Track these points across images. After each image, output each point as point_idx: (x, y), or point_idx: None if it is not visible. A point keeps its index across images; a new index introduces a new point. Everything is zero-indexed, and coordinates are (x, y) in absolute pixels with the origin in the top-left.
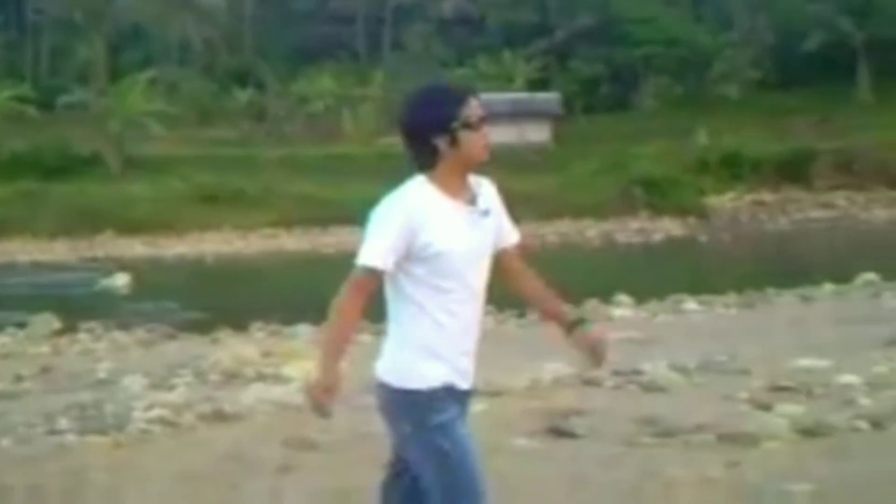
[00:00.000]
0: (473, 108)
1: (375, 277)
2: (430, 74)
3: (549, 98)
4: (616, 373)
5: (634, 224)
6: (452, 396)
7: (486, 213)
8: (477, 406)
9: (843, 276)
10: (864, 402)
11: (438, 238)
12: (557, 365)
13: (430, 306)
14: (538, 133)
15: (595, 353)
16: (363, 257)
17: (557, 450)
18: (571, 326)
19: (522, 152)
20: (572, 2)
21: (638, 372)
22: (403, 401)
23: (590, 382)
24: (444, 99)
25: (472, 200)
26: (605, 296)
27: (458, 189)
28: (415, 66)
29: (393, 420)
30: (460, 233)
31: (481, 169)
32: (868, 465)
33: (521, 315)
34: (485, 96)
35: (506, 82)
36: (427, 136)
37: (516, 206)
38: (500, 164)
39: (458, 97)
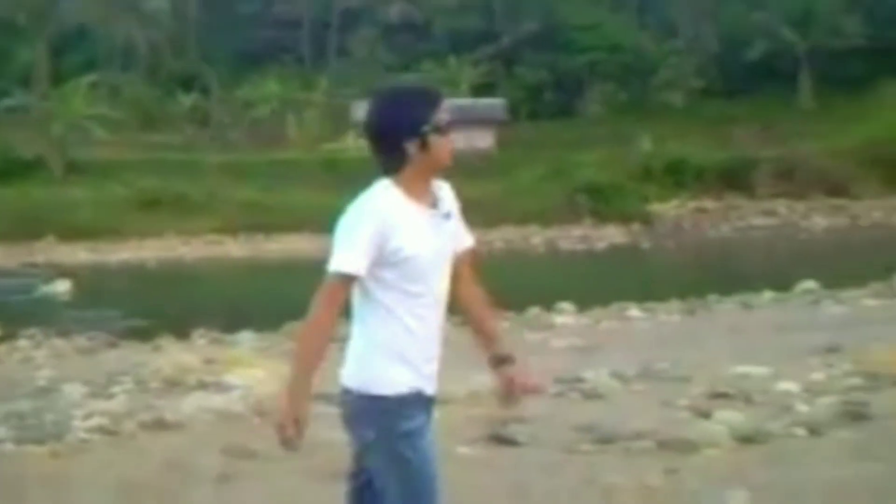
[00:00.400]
0: (443, 111)
1: (349, 284)
2: (376, 80)
3: (494, 104)
4: (558, 380)
5: (578, 231)
6: (419, 403)
7: (447, 216)
8: None
9: (783, 283)
10: (802, 408)
11: (407, 242)
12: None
13: (400, 311)
14: (483, 139)
15: (508, 397)
16: (337, 264)
17: (499, 457)
18: (497, 361)
19: (467, 158)
20: (517, 8)
21: (579, 379)
22: (370, 407)
23: (532, 391)
24: (416, 101)
25: (435, 204)
26: (549, 303)
27: (422, 193)
28: (360, 72)
29: (356, 427)
30: (426, 237)
31: None
32: (805, 471)
33: (465, 323)
34: None
35: (451, 88)
36: (397, 140)
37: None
38: (447, 170)
39: (430, 100)
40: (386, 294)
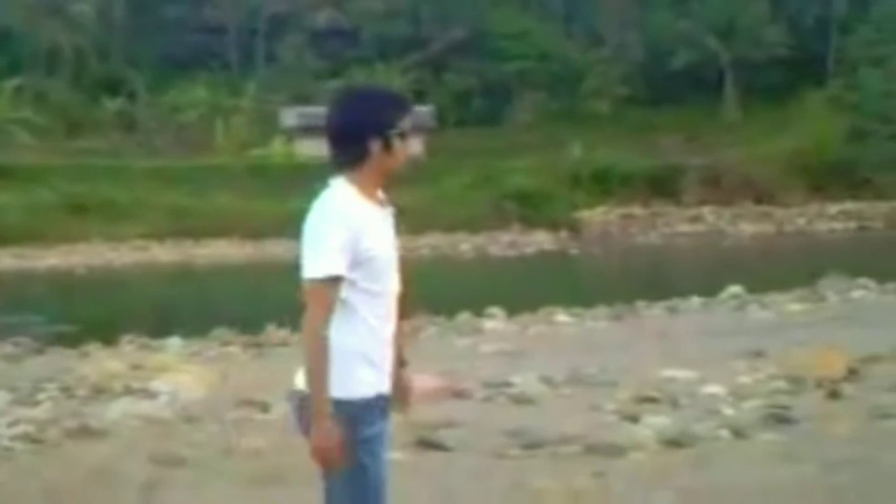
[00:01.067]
0: (409, 119)
1: (336, 286)
2: (304, 86)
3: (423, 111)
4: (486, 385)
5: (507, 237)
6: (380, 406)
7: (392, 215)
8: None
9: (709, 289)
10: (728, 411)
11: (372, 241)
12: (427, 377)
13: (363, 311)
14: (412, 146)
15: (402, 400)
16: (321, 269)
17: (427, 462)
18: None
19: None
20: (446, 15)
21: (508, 384)
22: (335, 412)
23: (460, 395)
24: (387, 103)
25: (382, 204)
26: (478, 309)
27: (372, 193)
28: (288, 78)
29: (303, 431)
30: (384, 236)
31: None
32: (730, 473)
33: None
34: None
35: None
36: (361, 137)
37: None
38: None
39: (400, 105)
40: (352, 294)
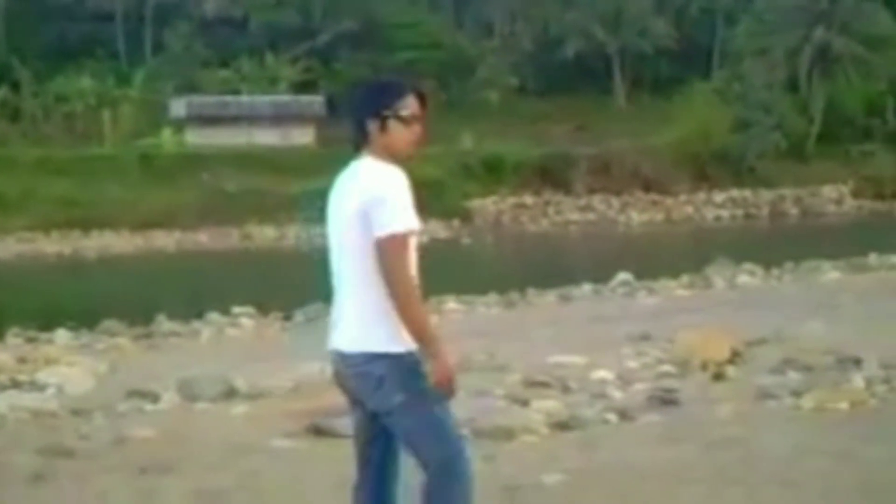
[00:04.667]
0: (408, 103)
1: (410, 239)
2: (192, 75)
3: (313, 101)
4: None
5: None
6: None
7: None
8: (238, 408)
9: (600, 276)
10: (616, 395)
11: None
12: (320, 365)
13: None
14: (302, 136)
15: None
16: (404, 222)
17: (318, 449)
18: None
19: (287, 155)
20: (336, 5)
21: None
22: (397, 366)
23: None
24: (383, 88)
25: None
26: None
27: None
28: (176, 67)
29: (383, 391)
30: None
31: (249, 166)
32: (617, 454)
33: (287, 318)
34: (247, 98)
35: (270, 84)
36: (362, 118)
37: (281, 209)
38: (264, 166)
39: (396, 89)
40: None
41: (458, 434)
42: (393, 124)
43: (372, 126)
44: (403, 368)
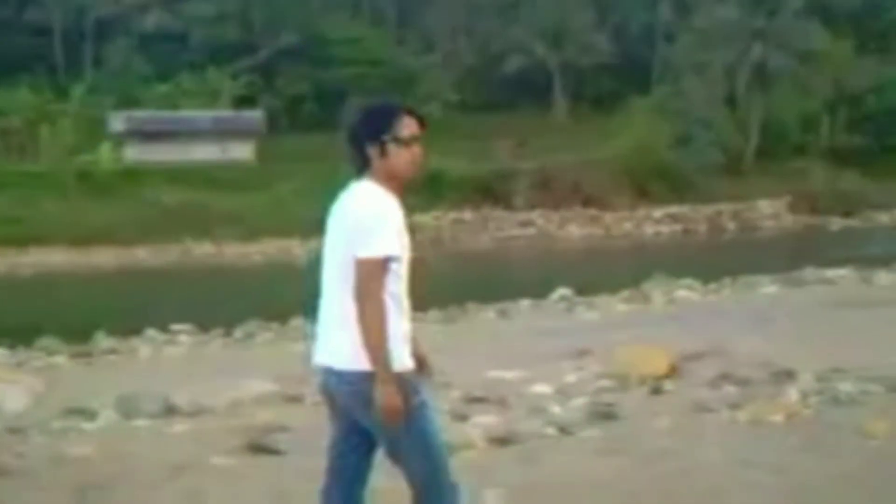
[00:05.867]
0: (406, 125)
1: (388, 265)
2: (132, 90)
3: (254, 116)
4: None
5: None
6: (416, 376)
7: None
8: (178, 425)
9: (539, 291)
10: (554, 409)
11: (403, 235)
12: (260, 383)
13: (400, 295)
14: (243, 151)
15: (427, 367)
16: (382, 249)
17: (258, 466)
18: None
19: (227, 170)
20: (277, 20)
21: None
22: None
23: (292, 400)
24: (380, 113)
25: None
26: (311, 314)
27: (394, 196)
28: (116, 82)
29: (371, 407)
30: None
31: (188, 181)
32: (556, 468)
33: (227, 334)
34: (187, 113)
35: (210, 99)
36: (361, 145)
37: (220, 225)
38: (203, 182)
39: (392, 113)
40: (392, 281)
41: (443, 448)
42: (392, 148)
43: (372, 151)
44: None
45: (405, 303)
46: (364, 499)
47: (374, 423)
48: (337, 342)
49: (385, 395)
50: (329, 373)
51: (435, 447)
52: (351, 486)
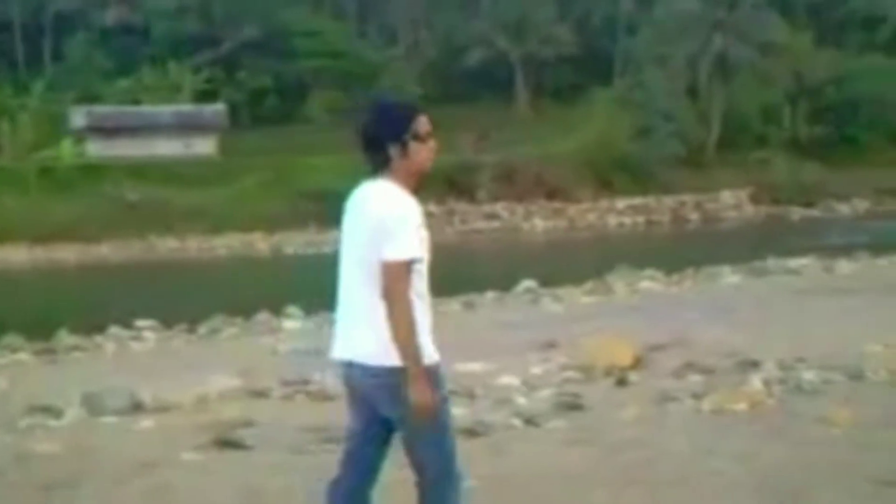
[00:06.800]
0: (422, 123)
1: (413, 266)
2: (93, 85)
3: (216, 110)
4: (285, 384)
5: (304, 236)
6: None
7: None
8: (144, 422)
9: (504, 283)
10: (521, 401)
11: (423, 233)
12: (226, 378)
13: (423, 291)
14: (205, 145)
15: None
16: (407, 252)
17: (225, 461)
18: None
19: (189, 165)
20: (238, 13)
21: (307, 382)
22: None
23: (259, 395)
24: (399, 113)
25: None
26: (276, 308)
27: (410, 192)
28: (76, 77)
29: (398, 399)
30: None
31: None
32: (523, 459)
33: (191, 329)
34: (149, 108)
35: (172, 93)
36: (382, 144)
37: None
38: (167, 177)
39: (410, 111)
40: (416, 279)
41: (454, 443)
42: (413, 146)
43: (393, 150)
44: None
45: (428, 298)
46: (371, 498)
47: (398, 416)
48: (362, 339)
49: (418, 392)
50: (352, 366)
51: (450, 440)
52: (362, 479)
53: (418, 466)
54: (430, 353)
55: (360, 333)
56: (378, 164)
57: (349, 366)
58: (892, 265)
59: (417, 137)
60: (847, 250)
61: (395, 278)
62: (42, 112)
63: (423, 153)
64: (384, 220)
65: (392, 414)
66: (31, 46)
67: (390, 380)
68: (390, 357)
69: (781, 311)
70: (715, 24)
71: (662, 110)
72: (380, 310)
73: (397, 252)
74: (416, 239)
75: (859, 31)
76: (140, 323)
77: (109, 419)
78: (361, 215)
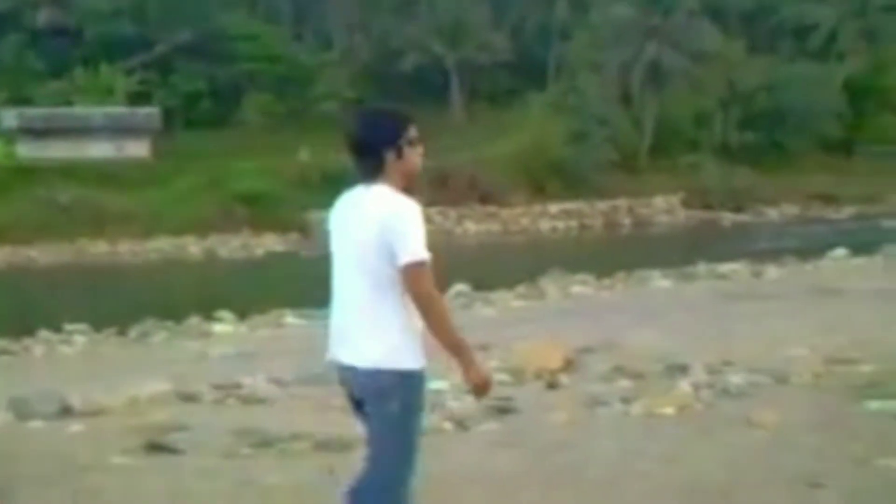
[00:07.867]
0: (413, 128)
1: (427, 265)
2: (25, 87)
3: (149, 113)
4: (216, 387)
5: (237, 240)
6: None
7: None
8: (74, 426)
9: (437, 287)
10: (452, 404)
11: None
12: (156, 382)
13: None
14: (138, 148)
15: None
16: (422, 251)
17: (156, 465)
18: None
19: (122, 168)
20: (172, 16)
21: (238, 386)
22: (402, 383)
23: (189, 398)
24: (393, 118)
25: None
26: (207, 312)
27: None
28: (8, 78)
29: (384, 402)
30: None
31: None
32: (453, 462)
33: (121, 333)
34: (81, 110)
35: (104, 96)
36: (378, 149)
37: (116, 222)
38: (99, 180)
39: (404, 118)
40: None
41: (418, 453)
42: (407, 150)
43: (389, 156)
44: (413, 383)
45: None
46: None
47: (381, 415)
48: (365, 345)
49: (475, 377)
50: (350, 370)
51: (416, 448)
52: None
53: (375, 464)
54: (418, 358)
55: (364, 342)
56: (370, 170)
57: (350, 370)
58: (818, 270)
59: (410, 141)
60: (776, 255)
61: (416, 280)
62: None
63: (414, 156)
64: (392, 225)
65: (374, 411)
66: None
67: (386, 382)
68: (394, 361)
69: (710, 316)
70: (648, 31)
71: (596, 116)
72: (383, 317)
73: (414, 254)
74: (423, 239)
75: (790, 39)
76: (70, 326)
77: (37, 423)
78: (362, 220)
